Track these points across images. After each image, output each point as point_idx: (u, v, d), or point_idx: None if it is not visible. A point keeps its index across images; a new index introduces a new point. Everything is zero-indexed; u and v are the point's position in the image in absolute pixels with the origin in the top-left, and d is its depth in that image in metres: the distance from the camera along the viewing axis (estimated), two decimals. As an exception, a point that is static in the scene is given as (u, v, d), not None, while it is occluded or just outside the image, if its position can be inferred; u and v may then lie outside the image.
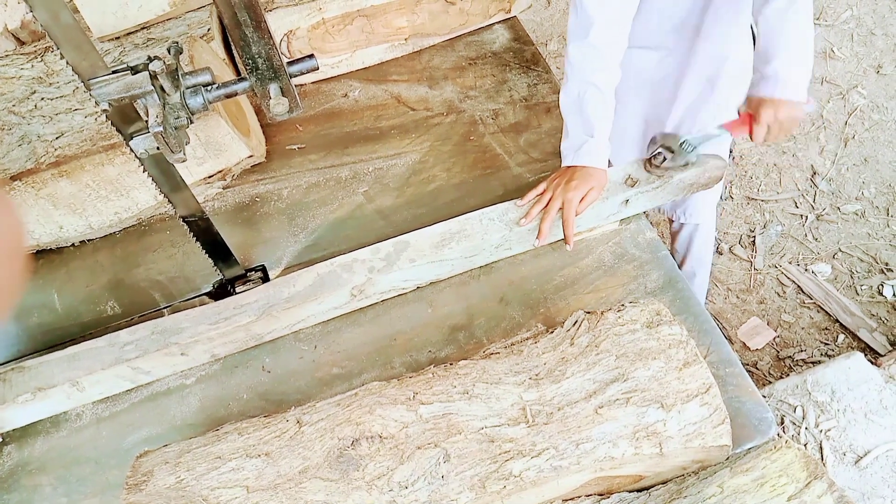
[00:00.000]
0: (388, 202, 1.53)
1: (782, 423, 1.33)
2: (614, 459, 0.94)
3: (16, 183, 1.34)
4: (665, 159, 1.36)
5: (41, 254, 1.52)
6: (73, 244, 1.52)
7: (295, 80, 1.04)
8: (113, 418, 1.30)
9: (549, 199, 1.33)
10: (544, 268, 1.40)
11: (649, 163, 1.38)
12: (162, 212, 1.54)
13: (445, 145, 1.61)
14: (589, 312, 1.10)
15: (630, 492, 1.01)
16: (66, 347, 1.36)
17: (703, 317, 1.30)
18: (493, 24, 1.83)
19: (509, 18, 1.84)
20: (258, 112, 1.69)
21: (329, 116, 1.70)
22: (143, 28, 1.71)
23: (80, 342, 1.37)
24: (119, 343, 1.25)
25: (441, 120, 1.66)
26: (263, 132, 1.66)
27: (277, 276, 1.44)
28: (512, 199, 1.38)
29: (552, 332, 1.10)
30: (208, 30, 1.59)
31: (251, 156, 1.53)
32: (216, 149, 1.46)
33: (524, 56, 1.76)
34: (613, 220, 1.42)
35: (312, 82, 1.76)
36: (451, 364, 1.08)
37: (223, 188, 1.57)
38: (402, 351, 1.33)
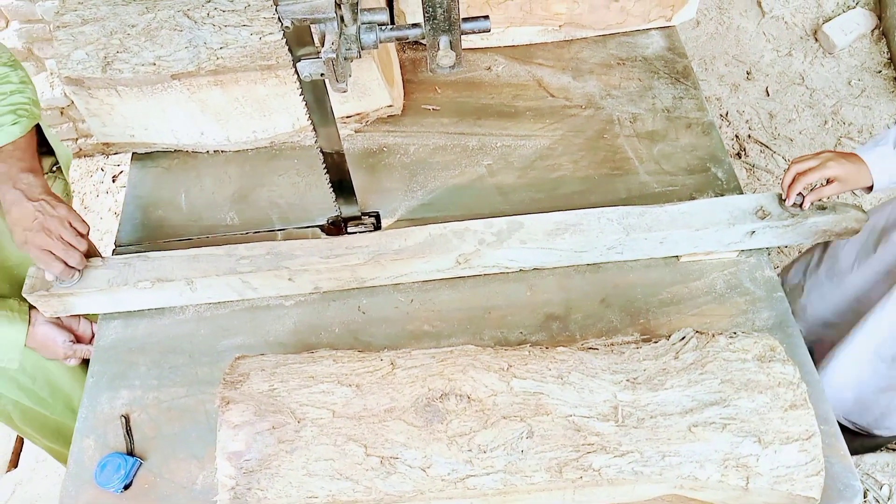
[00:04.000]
0: (510, 180, 1.54)
1: (865, 496, 1.27)
2: (697, 480, 0.93)
3: (174, 82, 1.41)
4: (804, 198, 1.31)
5: (178, 153, 1.60)
6: (207, 151, 1.60)
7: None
8: (213, 320, 1.36)
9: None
10: (652, 280, 1.38)
11: (783, 201, 1.33)
12: (295, 140, 1.59)
13: (577, 137, 1.60)
14: (699, 332, 1.08)
15: (700, 518, 0.99)
16: (183, 244, 1.44)
17: (808, 367, 1.25)
18: (650, 28, 1.79)
19: (668, 27, 1.80)
20: (402, 66, 1.73)
21: (468, 85, 1.71)
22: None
23: (197, 243, 1.45)
24: (236, 255, 1.31)
25: (578, 112, 1.65)
26: (403, 88, 1.69)
27: (389, 226, 1.48)
28: (634, 205, 1.36)
29: (656, 342, 1.08)
30: (378, -24, 1.63)
31: (391, 105, 1.56)
32: (361, 91, 1.50)
33: (675, 67, 1.72)
34: (734, 249, 1.38)
35: (459, 49, 1.77)
36: (547, 347, 1.09)
37: (355, 131, 1.61)
38: (493, 325, 1.34)
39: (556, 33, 1.78)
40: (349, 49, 1.05)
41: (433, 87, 1.72)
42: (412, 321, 1.35)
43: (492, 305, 1.36)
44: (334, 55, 1.00)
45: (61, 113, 2.91)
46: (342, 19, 1.03)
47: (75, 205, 3.03)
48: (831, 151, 1.33)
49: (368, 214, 1.48)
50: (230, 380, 1.04)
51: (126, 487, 1.17)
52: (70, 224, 1.27)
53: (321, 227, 1.49)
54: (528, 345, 1.10)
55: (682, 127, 1.61)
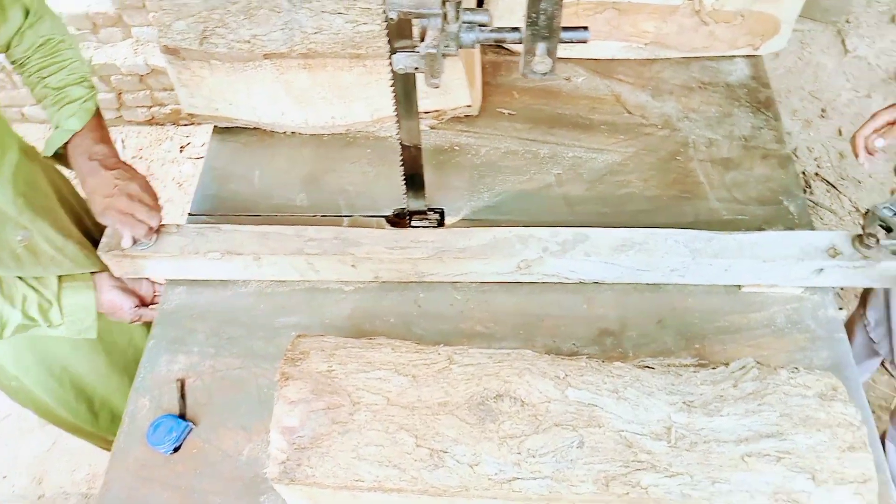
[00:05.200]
0: (577, 192, 1.54)
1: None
2: (745, 512, 0.92)
3: (265, 61, 1.46)
4: (879, 240, 1.29)
5: (257, 131, 1.65)
6: (285, 132, 1.64)
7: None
8: (273, 297, 1.40)
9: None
10: (712, 306, 1.37)
11: (860, 240, 1.31)
12: (370, 130, 1.62)
13: (650, 157, 1.59)
14: (759, 363, 1.06)
15: (743, 551, 0.98)
16: (253, 220, 1.48)
17: (865, 412, 1.23)
18: (736, 55, 1.77)
19: (754, 56, 1.78)
20: (483, 68, 1.74)
21: (546, 94, 1.72)
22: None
23: (266, 220, 1.49)
24: (305, 237, 1.35)
25: (654, 131, 1.64)
26: (482, 89, 1.70)
27: (452, 225, 1.49)
28: (701, 230, 1.35)
29: (714, 368, 1.08)
30: (468, -22, 1.65)
31: (469, 106, 1.58)
32: (443, 89, 1.52)
33: (758, 97, 1.70)
34: (799, 285, 1.36)
35: (539, 57, 1.78)
36: (604, 361, 1.09)
37: (430, 127, 1.63)
38: (546, 333, 1.34)
39: (641, 51, 1.77)
40: (448, 46, 1.07)
41: (511, 91, 1.73)
42: (466, 320, 1.36)
43: (546, 314, 1.37)
44: (434, 51, 1.02)
45: (140, 80, 3.02)
46: (445, 16, 1.05)
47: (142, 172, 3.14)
48: None
49: (434, 210, 1.50)
50: (291, 356, 1.07)
51: (176, 450, 1.21)
52: (148, 189, 1.33)
53: (386, 218, 1.51)
54: (584, 357, 1.10)
55: (758, 157, 1.59)
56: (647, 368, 1.08)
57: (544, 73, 1.07)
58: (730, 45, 1.75)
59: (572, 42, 1.05)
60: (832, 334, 1.33)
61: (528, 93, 1.72)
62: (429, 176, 1.55)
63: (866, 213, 1.33)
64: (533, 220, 1.47)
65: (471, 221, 1.50)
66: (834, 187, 2.83)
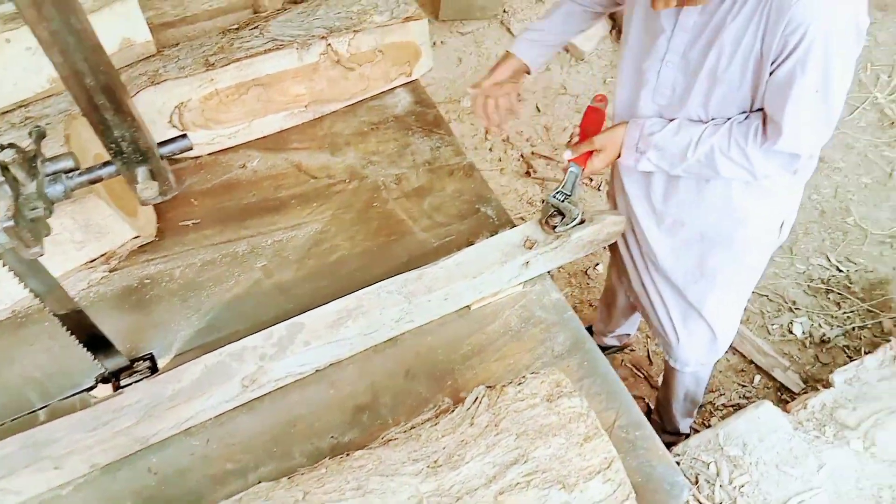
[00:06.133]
0: (288, 276, 1.47)
1: (697, 481, 1.31)
2: (517, 551, 0.89)
3: None
4: (562, 219, 1.36)
5: None
6: (-64, 343, 1.39)
7: (184, 155, 0.99)
8: (-26, 543, 1.16)
9: None
10: (451, 336, 1.36)
11: (546, 223, 1.37)
12: (38, 302, 1.42)
13: (348, 213, 1.56)
14: (489, 387, 1.05)
15: (541, 580, 0.95)
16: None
17: (611, 377, 1.28)
18: (394, 87, 1.81)
19: (411, 82, 1.83)
20: (148, 188, 1.61)
21: (226, 189, 1.63)
22: (21, 106, 1.62)
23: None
24: (-20, 462, 1.13)
25: (343, 187, 1.61)
26: (155, 208, 1.57)
27: (168, 363, 1.35)
28: (417, 268, 1.34)
29: (453, 412, 1.05)
30: (88, 106, 1.51)
31: (137, 237, 1.44)
32: (97, 231, 1.37)
33: (427, 119, 1.74)
34: (516, 283, 1.39)
35: (209, 154, 1.69)
36: (346, 455, 1.02)
37: (109, 271, 1.47)
38: (302, 438, 1.25)
39: (304, 114, 1.75)
40: (34, 209, 0.94)
41: (188, 199, 1.61)
42: (212, 464, 1.22)
43: (296, 417, 1.27)
44: (13, 223, 0.89)
45: None
46: (15, 179, 0.92)
47: None
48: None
49: (141, 359, 1.34)
50: None
51: None
52: None
53: (90, 390, 1.33)
54: (326, 458, 1.02)
55: (445, 175, 1.63)
56: (390, 442, 1.02)
57: (160, 196, 0.98)
58: (385, 81, 1.78)
59: (175, 154, 0.97)
60: (562, 316, 1.38)
61: (208, 195, 1.62)
62: (126, 322, 1.41)
63: (543, 202, 1.40)
64: (254, 323, 1.37)
65: (191, 352, 1.36)
66: (551, 159, 3.04)
